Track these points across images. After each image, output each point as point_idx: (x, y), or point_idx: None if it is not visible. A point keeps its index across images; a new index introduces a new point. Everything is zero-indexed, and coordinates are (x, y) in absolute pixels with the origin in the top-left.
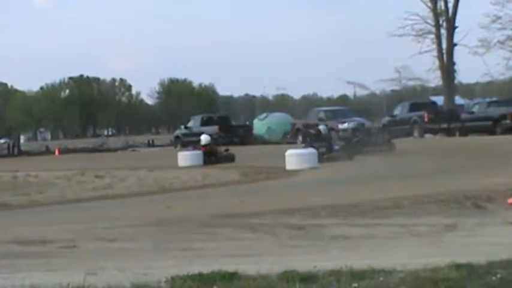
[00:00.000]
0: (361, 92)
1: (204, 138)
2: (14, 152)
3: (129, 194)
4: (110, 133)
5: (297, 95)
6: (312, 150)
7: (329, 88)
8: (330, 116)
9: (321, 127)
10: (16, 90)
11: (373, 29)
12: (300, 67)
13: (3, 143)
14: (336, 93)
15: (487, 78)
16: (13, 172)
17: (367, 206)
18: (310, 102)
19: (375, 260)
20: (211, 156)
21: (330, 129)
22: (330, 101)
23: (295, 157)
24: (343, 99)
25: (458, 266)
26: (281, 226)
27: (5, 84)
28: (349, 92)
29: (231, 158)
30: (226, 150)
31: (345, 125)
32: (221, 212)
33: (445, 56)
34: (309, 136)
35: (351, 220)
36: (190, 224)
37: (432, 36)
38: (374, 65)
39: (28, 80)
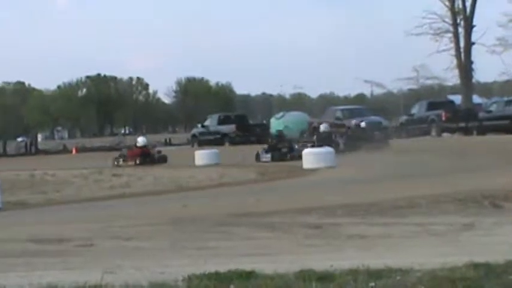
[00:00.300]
0: (378, 91)
1: (141, 140)
2: (32, 150)
3: (146, 193)
4: (127, 132)
5: (314, 93)
6: (329, 149)
7: (346, 87)
8: (347, 115)
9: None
10: (33, 89)
11: (391, 27)
12: (317, 66)
13: (21, 141)
14: (353, 92)
15: (504, 77)
16: (30, 171)
17: (383, 205)
18: (327, 101)
19: (392, 259)
20: (146, 158)
21: (347, 128)
22: (347, 100)
23: (312, 156)
24: (360, 98)
25: (476, 265)
26: (298, 225)
27: (23, 83)
28: (367, 91)
29: (164, 160)
30: (159, 152)
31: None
32: (237, 211)
33: (462, 55)
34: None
35: (367, 219)
36: (207, 222)
37: (450, 35)
38: (391, 63)
39: (45, 79)
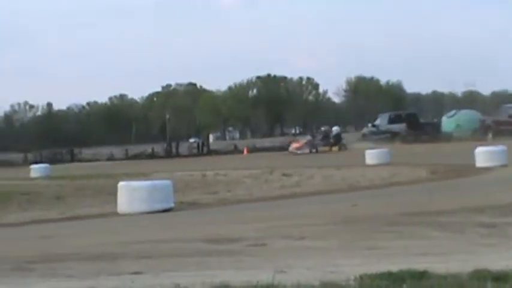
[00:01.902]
0: None
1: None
2: (204, 151)
3: (317, 192)
4: (297, 132)
5: (486, 91)
6: (503, 147)
7: None
8: None
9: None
10: (204, 90)
11: None
12: (489, 62)
13: (193, 142)
14: None
15: None
16: (202, 171)
17: None
18: (501, 98)
19: None
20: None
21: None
22: None
23: (486, 154)
24: None
25: None
26: (471, 224)
27: (194, 84)
28: None
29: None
30: None
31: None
32: (409, 210)
33: None
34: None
35: None
36: (378, 222)
37: None
38: None
39: (216, 80)
